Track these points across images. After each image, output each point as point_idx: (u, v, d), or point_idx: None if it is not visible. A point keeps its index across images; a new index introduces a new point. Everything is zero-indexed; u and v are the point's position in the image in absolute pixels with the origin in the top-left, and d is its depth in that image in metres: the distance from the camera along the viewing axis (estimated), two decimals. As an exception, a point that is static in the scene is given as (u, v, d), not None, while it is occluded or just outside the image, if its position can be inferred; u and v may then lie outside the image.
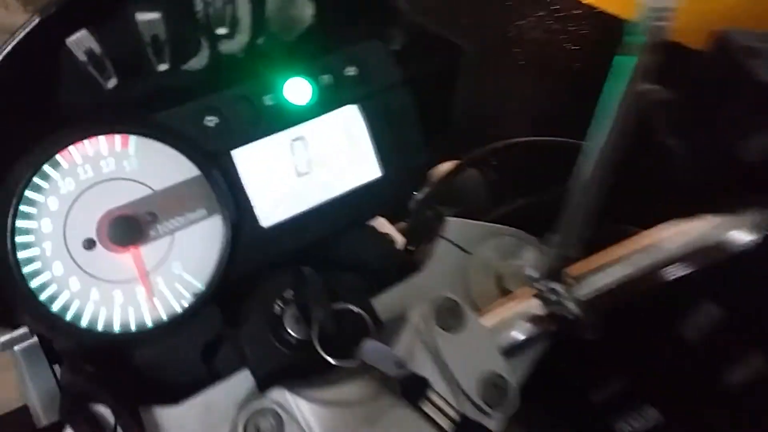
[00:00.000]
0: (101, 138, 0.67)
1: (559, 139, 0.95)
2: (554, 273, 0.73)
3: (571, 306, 0.73)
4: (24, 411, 0.77)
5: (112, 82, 0.68)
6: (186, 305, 0.70)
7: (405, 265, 0.89)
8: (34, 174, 0.64)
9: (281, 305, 0.76)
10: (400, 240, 0.97)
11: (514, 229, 0.88)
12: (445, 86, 0.83)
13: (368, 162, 0.80)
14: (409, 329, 0.71)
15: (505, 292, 0.85)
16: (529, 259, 0.88)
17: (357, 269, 0.83)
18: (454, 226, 0.87)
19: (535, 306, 0.76)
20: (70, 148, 0.66)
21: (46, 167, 0.65)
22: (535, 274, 0.75)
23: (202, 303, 0.70)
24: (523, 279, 0.83)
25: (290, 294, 0.76)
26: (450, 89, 0.83)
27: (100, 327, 0.67)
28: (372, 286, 0.82)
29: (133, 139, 0.68)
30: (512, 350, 0.76)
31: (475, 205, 0.98)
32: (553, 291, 0.73)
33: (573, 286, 0.74)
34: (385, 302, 0.80)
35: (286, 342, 0.75)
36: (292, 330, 0.75)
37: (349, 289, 0.78)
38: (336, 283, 0.76)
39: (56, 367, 0.74)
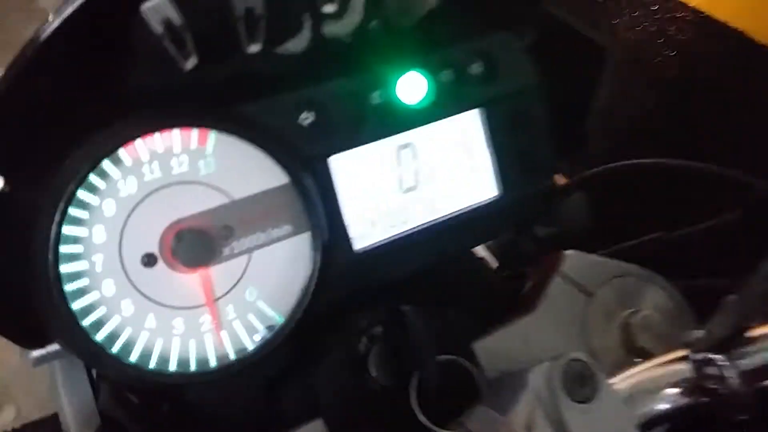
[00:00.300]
0: (175, 132, 0.54)
1: (691, 163, 0.79)
2: (722, 342, 0.58)
3: (732, 379, 0.58)
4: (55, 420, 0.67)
5: (191, 62, 0.54)
6: (259, 341, 0.58)
7: (506, 298, 0.75)
8: (90, 170, 0.52)
9: (367, 343, 0.62)
10: (492, 262, 0.84)
11: (642, 268, 0.74)
12: (581, 93, 0.68)
13: (486, 179, 0.66)
14: (529, 396, 0.58)
15: (630, 348, 0.70)
16: (656, 305, 0.74)
17: (455, 302, 0.70)
18: (574, 260, 0.72)
19: (682, 372, 0.61)
20: (137, 141, 0.53)
21: (105, 163, 0.52)
22: (691, 338, 0.60)
23: (279, 340, 0.58)
24: (655, 334, 0.69)
25: (379, 331, 0.63)
26: (586, 97, 0.69)
27: (152, 364, 0.55)
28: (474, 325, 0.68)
29: (212, 135, 0.55)
30: (647, 426, 0.61)
31: (571, 233, 0.83)
32: (711, 360, 0.59)
33: (736, 355, 0.59)
34: (490, 348, 0.67)
35: (369, 388, 0.63)
36: (377, 374, 0.63)
37: (455, 335, 0.65)
38: (438, 325, 0.63)
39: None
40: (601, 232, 0.81)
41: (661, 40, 1.19)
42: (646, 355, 0.69)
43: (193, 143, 0.55)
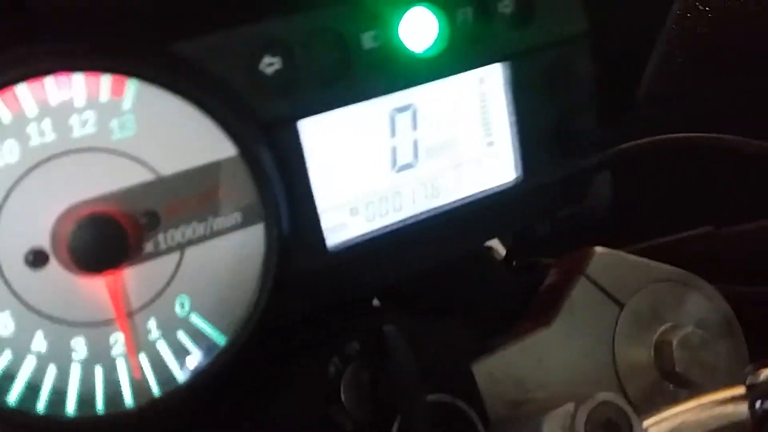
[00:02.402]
0: (77, 75, 0.38)
1: (753, 141, 0.64)
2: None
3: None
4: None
5: None
6: (193, 369, 0.43)
7: (516, 297, 0.61)
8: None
9: (339, 364, 0.47)
10: (500, 251, 0.69)
11: (684, 272, 0.59)
12: (639, 46, 0.52)
13: (504, 157, 0.50)
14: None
15: (666, 372, 0.57)
16: (700, 319, 0.60)
17: (450, 301, 0.57)
18: (603, 260, 0.58)
19: (736, 416, 0.48)
20: (19, 87, 0.36)
21: (-34, 117, 0.36)
22: (757, 378, 0.47)
23: (221, 367, 0.43)
24: (698, 356, 0.57)
25: (355, 348, 0.48)
26: (644, 50, 0.52)
27: (41, 405, 0.39)
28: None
29: (132, 84, 0.39)
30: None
31: (593, 216, 0.68)
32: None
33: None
34: (493, 370, 0.53)
35: (339, 425, 0.49)
36: (350, 406, 0.49)
37: (451, 352, 0.53)
38: (431, 342, 0.49)
39: None
40: (633, 223, 0.66)
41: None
42: (685, 383, 0.57)
43: (104, 94, 0.39)
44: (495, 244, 0.70)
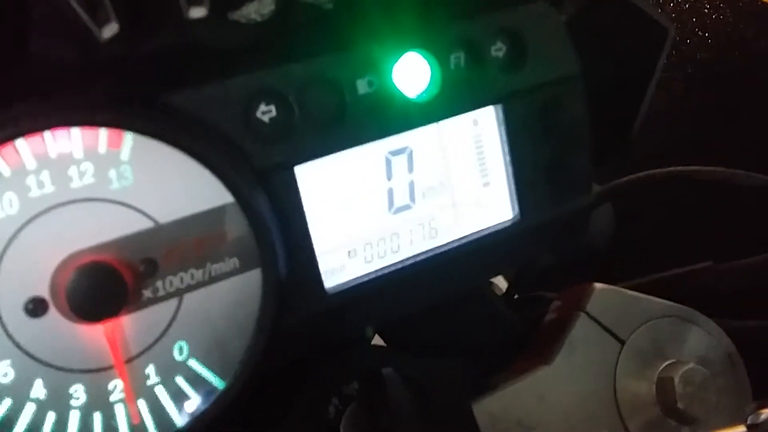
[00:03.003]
0: (75, 130, 0.38)
1: (755, 176, 0.64)
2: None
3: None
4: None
5: (109, 30, 0.39)
6: (192, 414, 0.43)
7: (517, 333, 0.61)
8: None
9: (338, 405, 0.48)
10: (501, 285, 0.69)
11: (685, 307, 0.59)
12: (633, 86, 0.53)
13: (501, 197, 0.51)
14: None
15: (667, 409, 0.57)
16: (702, 355, 0.60)
17: (450, 339, 0.57)
18: (602, 297, 0.58)
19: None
20: (18, 141, 0.37)
21: (-32, 171, 0.37)
22: (758, 419, 0.47)
23: (221, 411, 0.43)
24: (700, 392, 0.57)
25: (354, 389, 0.49)
26: (639, 90, 0.53)
27: None
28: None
29: (129, 136, 0.40)
30: None
31: (595, 248, 0.68)
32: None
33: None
34: (494, 410, 0.53)
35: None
36: None
37: (452, 393, 0.53)
38: (430, 382, 0.49)
39: None
40: (633, 257, 0.66)
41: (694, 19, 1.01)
42: (687, 420, 0.56)
43: (102, 146, 0.39)
44: (496, 278, 0.70)
